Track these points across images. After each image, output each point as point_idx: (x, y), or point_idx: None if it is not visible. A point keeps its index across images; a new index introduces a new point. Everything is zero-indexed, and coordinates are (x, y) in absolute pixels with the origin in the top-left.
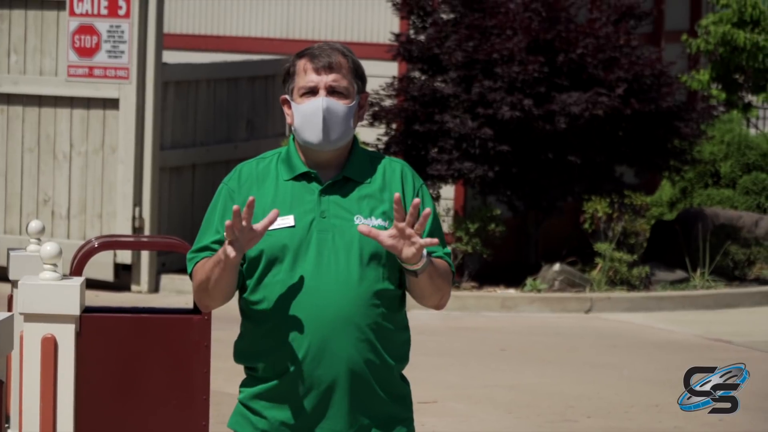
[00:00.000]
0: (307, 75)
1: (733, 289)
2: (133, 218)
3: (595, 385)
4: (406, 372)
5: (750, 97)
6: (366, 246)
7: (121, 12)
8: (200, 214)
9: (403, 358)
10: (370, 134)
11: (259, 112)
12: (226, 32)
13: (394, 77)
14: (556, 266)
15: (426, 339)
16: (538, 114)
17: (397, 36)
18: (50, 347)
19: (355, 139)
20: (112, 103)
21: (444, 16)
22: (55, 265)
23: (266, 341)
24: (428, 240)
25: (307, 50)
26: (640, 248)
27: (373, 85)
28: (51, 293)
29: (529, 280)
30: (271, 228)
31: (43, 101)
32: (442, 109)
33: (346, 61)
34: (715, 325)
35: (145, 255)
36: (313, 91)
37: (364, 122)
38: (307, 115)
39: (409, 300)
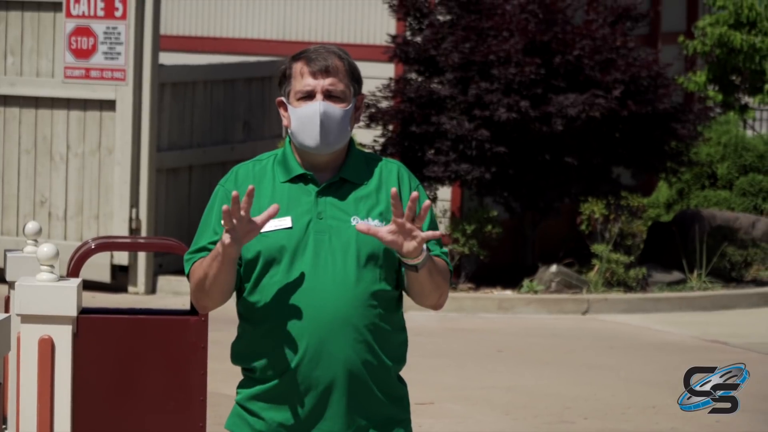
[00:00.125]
0: (303, 79)
1: (730, 290)
2: (130, 219)
3: (592, 386)
4: (403, 373)
5: (747, 99)
6: (363, 247)
7: (118, 13)
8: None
9: (401, 359)
10: (366, 136)
11: (256, 114)
12: (223, 34)
13: (390, 79)
14: (553, 268)
15: (423, 340)
16: (535, 115)
17: (394, 37)
18: (47, 348)
19: (351, 140)
20: (108, 105)
21: (440, 18)
22: (52, 266)
23: (264, 342)
24: (430, 233)
25: (304, 53)
26: (637, 250)
27: (369, 87)
28: (48, 294)
29: (525, 282)
30: (268, 230)
31: (40, 103)
32: (438, 110)
33: (342, 64)
34: (711, 326)
35: (141, 256)
36: (310, 95)
37: (361, 124)
38: (304, 119)
39: (407, 301)
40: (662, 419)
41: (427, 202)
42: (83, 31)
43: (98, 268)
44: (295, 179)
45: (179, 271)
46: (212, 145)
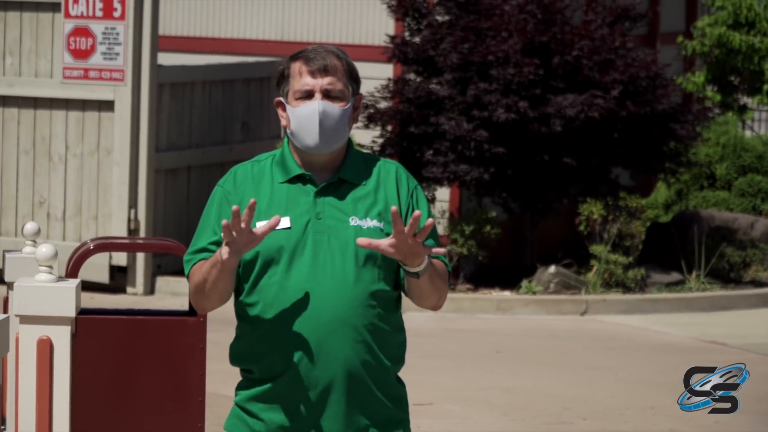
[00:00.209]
0: (302, 78)
1: (729, 291)
2: (129, 220)
3: (591, 387)
4: (401, 374)
5: (745, 99)
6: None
7: (116, 14)
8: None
9: (399, 360)
10: (365, 136)
11: (255, 114)
12: (222, 34)
13: (389, 79)
14: (552, 268)
15: (421, 341)
16: (534, 116)
17: (392, 38)
18: (46, 349)
19: (349, 141)
20: (107, 105)
21: (439, 18)
22: (50, 267)
23: (262, 343)
24: (436, 249)
25: (302, 53)
26: (636, 250)
27: (368, 87)
28: (47, 295)
29: (524, 282)
30: (261, 227)
31: (39, 103)
32: (437, 111)
33: (340, 64)
34: (710, 327)
35: (140, 257)
36: (309, 95)
37: (359, 124)
38: (304, 119)
39: (405, 302)
40: (661, 420)
41: (431, 220)
42: (82, 32)
43: (97, 268)
44: (294, 179)
45: (178, 271)
46: (211, 145)
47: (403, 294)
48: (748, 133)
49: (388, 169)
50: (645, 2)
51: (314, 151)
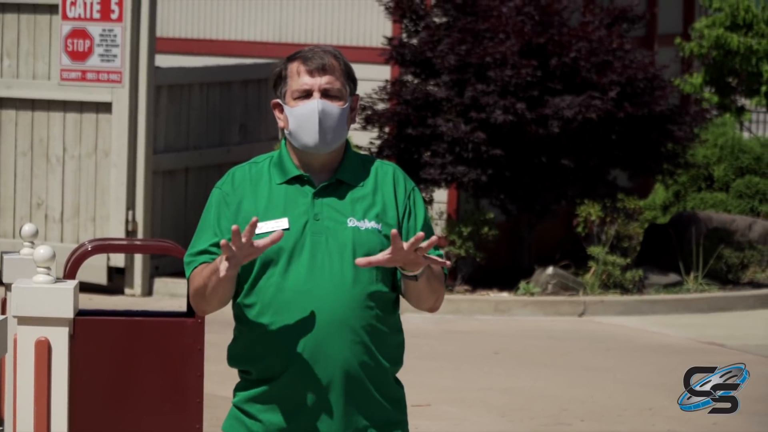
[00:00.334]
0: (300, 78)
1: (727, 292)
2: (127, 221)
3: (589, 388)
4: (399, 375)
5: (743, 101)
6: (360, 248)
7: (114, 16)
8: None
9: (398, 361)
10: (362, 138)
11: (252, 116)
12: (219, 36)
13: (386, 81)
14: (550, 270)
15: (419, 342)
16: (531, 118)
17: (390, 39)
18: (44, 350)
19: (347, 142)
20: (104, 107)
21: (436, 20)
22: (48, 268)
23: (260, 344)
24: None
25: (299, 53)
26: (634, 252)
27: (365, 89)
28: (45, 296)
29: (522, 284)
30: (266, 230)
31: (36, 105)
32: (434, 112)
33: (338, 64)
34: (708, 328)
35: (138, 258)
36: (307, 94)
37: (357, 126)
38: (303, 118)
39: (403, 303)
40: (659, 421)
41: (434, 238)
42: (79, 34)
43: (95, 270)
44: (292, 181)
45: (176, 273)
46: (208, 147)
47: (400, 296)
48: (745, 135)
49: (386, 171)
50: (642, 4)
51: (314, 151)
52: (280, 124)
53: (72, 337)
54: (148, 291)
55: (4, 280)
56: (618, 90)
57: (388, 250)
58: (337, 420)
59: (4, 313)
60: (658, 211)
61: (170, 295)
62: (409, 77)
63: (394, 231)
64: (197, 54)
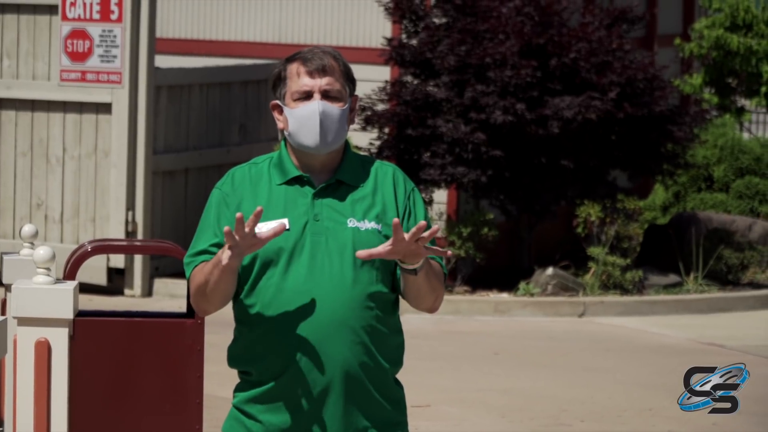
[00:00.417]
0: (300, 79)
1: (727, 293)
2: (126, 222)
3: (589, 389)
4: (399, 375)
5: (743, 101)
6: (360, 249)
7: (114, 16)
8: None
9: (398, 362)
10: (362, 138)
11: (252, 117)
12: (219, 37)
13: (386, 81)
14: (549, 270)
15: (419, 343)
16: (531, 118)
17: (390, 40)
18: (44, 351)
19: (347, 143)
20: (104, 108)
21: (436, 21)
22: (48, 269)
23: (260, 345)
24: (437, 249)
25: (298, 54)
26: (634, 252)
27: (365, 90)
28: (44, 297)
29: (522, 284)
30: (266, 231)
31: (36, 105)
32: (434, 113)
33: (337, 65)
34: (708, 329)
35: (138, 259)
36: (308, 96)
37: (357, 126)
38: (304, 119)
39: (403, 304)
40: (659, 422)
41: (436, 227)
42: (79, 34)
43: (95, 270)
44: (292, 181)
45: (176, 273)
46: (208, 147)
47: (400, 296)
48: (745, 135)
49: (386, 172)
50: (642, 4)
51: (314, 152)
52: (280, 125)
53: (72, 338)
54: (147, 292)
55: (4, 281)
56: (618, 90)
57: (390, 241)
58: (337, 420)
59: (4, 313)
60: (657, 211)
61: (170, 296)
62: (409, 78)
63: (396, 220)
64: (197, 54)
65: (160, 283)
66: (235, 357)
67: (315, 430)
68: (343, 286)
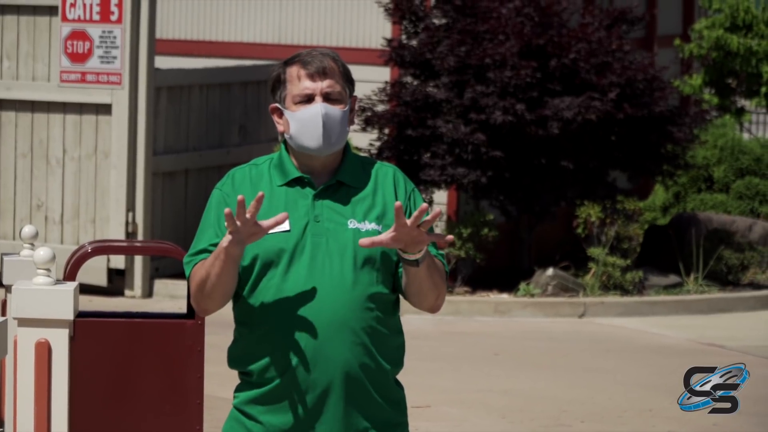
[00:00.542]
0: (301, 82)
1: (727, 293)
2: (126, 223)
3: (589, 389)
4: (399, 376)
5: (743, 102)
6: (360, 250)
7: (113, 17)
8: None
9: (398, 363)
10: (362, 139)
11: (252, 118)
12: (219, 38)
13: (386, 82)
14: (549, 271)
15: (419, 343)
16: (531, 119)
17: (389, 41)
18: (44, 352)
19: (347, 144)
20: (104, 109)
21: (436, 21)
22: (48, 270)
23: (260, 346)
24: (439, 235)
25: (297, 57)
26: (634, 253)
27: (365, 90)
28: (45, 298)
29: (522, 285)
30: (268, 221)
31: (36, 107)
32: (434, 114)
33: (337, 66)
34: (708, 329)
35: (138, 260)
36: (309, 99)
37: (357, 127)
38: (306, 122)
39: (403, 304)
40: (659, 422)
41: (438, 209)
42: (79, 35)
43: (95, 271)
44: (292, 182)
45: (176, 274)
46: (208, 148)
47: (401, 297)
48: (745, 136)
49: (386, 172)
50: (642, 5)
51: (316, 153)
52: (280, 128)
53: (72, 339)
54: (148, 292)
55: (4, 282)
56: (617, 91)
57: (392, 228)
58: (338, 421)
59: (4, 314)
60: (658, 212)
61: (170, 297)
62: (409, 79)
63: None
64: (197, 55)
65: (160, 284)
66: (235, 358)
67: (315, 430)
68: (344, 287)
